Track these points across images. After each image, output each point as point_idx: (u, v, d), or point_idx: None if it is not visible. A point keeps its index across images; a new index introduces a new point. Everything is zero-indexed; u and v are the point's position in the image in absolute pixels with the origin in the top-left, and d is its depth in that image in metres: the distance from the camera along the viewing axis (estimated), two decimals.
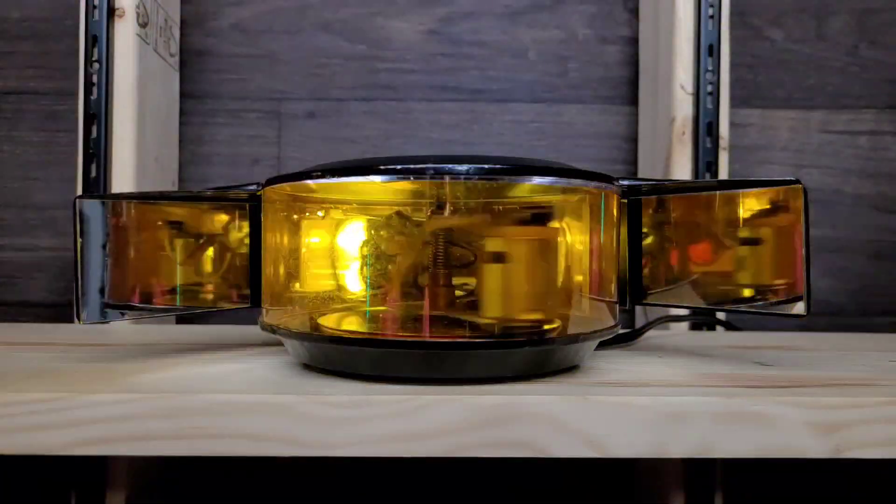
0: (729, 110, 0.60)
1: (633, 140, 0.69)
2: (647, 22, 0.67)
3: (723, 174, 0.60)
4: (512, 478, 0.65)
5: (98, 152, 0.57)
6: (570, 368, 0.36)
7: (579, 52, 0.70)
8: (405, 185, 0.32)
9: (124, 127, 0.57)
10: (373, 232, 0.32)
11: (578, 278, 0.34)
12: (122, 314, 0.37)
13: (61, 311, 0.66)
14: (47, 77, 0.67)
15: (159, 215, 0.38)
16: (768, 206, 0.36)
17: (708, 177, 0.59)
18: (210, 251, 0.39)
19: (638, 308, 0.66)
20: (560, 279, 0.33)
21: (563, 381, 0.34)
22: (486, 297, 0.32)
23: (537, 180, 0.33)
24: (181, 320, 0.64)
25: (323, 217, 0.34)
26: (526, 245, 0.33)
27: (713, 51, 0.59)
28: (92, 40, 0.56)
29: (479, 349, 0.32)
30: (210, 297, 0.40)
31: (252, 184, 0.39)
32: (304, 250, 0.34)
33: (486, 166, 0.32)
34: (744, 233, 0.37)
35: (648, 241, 0.40)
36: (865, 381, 0.35)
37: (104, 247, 0.36)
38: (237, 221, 0.40)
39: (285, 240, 0.35)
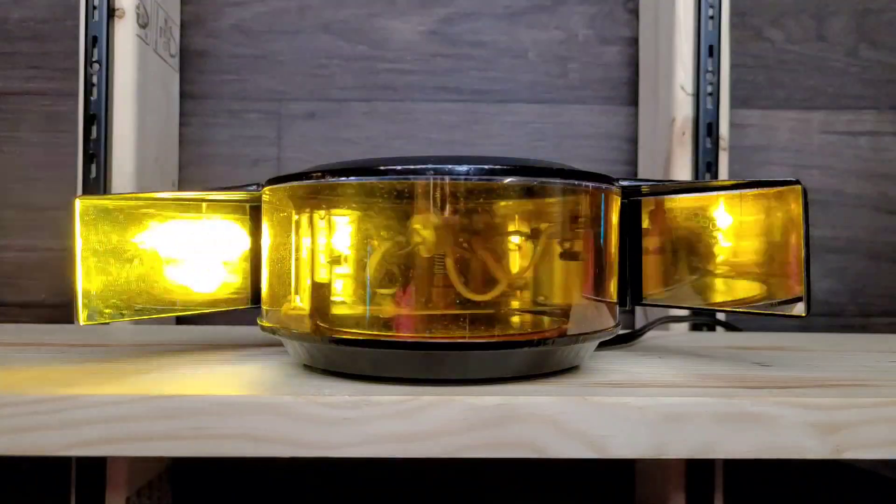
0: (729, 111, 0.60)
1: (633, 141, 0.69)
2: (648, 22, 0.67)
3: (723, 175, 0.60)
4: (512, 478, 0.65)
5: (98, 153, 0.57)
6: (570, 369, 0.36)
7: (579, 53, 0.70)
8: (405, 186, 0.32)
9: (124, 127, 0.57)
10: (372, 232, 0.32)
11: (578, 279, 0.34)
12: (122, 314, 0.37)
13: (61, 311, 0.66)
14: (48, 78, 0.67)
15: (159, 216, 0.38)
16: (768, 207, 0.36)
17: (708, 177, 0.59)
18: (210, 251, 0.40)
19: (638, 308, 0.66)
20: (560, 279, 0.33)
21: (564, 382, 0.34)
22: (486, 297, 0.32)
23: (538, 181, 0.33)
24: (181, 320, 0.64)
25: (323, 218, 0.34)
26: (526, 246, 0.33)
27: (713, 51, 0.59)
28: (92, 41, 0.56)
29: (478, 350, 0.32)
30: (210, 297, 0.40)
31: (252, 184, 0.39)
32: (303, 251, 0.34)
33: (486, 167, 0.32)
34: (743, 233, 0.37)
35: (648, 241, 0.40)
36: (865, 382, 0.35)
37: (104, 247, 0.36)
38: (237, 222, 0.40)
39: (285, 240, 0.35)
